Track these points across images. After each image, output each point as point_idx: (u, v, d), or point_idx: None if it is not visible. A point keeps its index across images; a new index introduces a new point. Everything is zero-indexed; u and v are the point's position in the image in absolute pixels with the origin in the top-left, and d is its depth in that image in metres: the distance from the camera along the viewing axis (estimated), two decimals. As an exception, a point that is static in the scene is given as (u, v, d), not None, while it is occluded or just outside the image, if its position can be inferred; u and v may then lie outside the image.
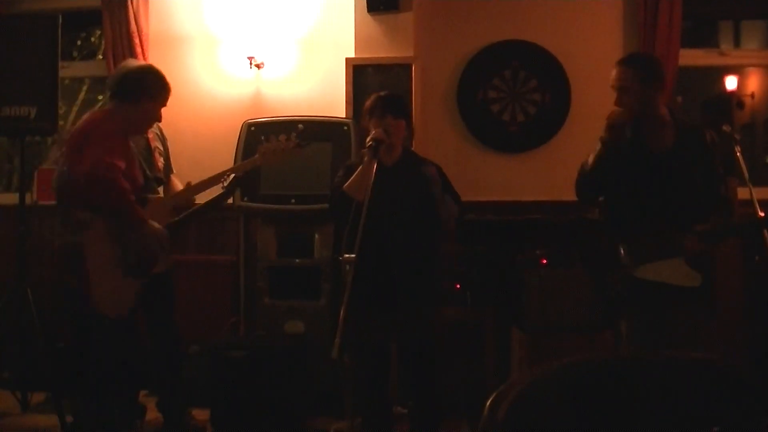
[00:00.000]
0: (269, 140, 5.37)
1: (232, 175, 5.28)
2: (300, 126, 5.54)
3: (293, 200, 6.16)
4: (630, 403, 2.10)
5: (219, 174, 5.44)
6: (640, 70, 4.56)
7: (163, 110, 5.66)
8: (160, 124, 5.78)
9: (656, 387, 2.12)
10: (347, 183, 4.72)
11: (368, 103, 4.85)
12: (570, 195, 4.85)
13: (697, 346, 4.35)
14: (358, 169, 4.67)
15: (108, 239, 4.49)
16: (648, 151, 4.54)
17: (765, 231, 4.35)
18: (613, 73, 4.63)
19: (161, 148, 5.71)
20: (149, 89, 4.75)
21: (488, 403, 2.08)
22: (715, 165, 4.54)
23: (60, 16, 6.23)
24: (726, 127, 4.80)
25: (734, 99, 11.18)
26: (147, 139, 5.57)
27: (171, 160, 5.88)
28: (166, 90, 4.82)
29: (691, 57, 6.90)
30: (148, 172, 5.48)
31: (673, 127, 4.57)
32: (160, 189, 5.61)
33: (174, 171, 5.82)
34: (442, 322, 4.94)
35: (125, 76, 4.91)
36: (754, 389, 2.18)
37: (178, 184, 5.61)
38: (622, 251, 4.50)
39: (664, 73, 4.88)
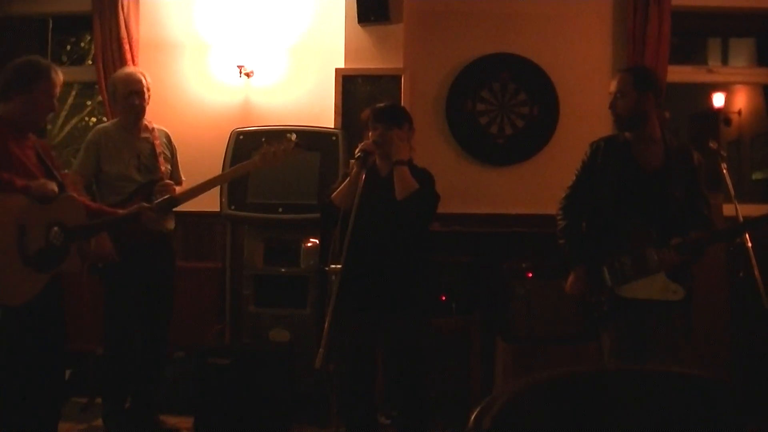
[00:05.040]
0: (269, 143, 5.37)
1: (168, 196, 5.25)
2: (291, 134, 5.53)
3: (280, 209, 6.16)
4: (614, 415, 2.11)
5: (207, 182, 5.44)
6: (639, 78, 4.61)
7: (153, 117, 5.68)
8: (168, 132, 5.79)
9: (640, 400, 2.13)
10: (335, 192, 4.74)
11: (363, 114, 4.89)
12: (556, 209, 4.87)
13: (678, 359, 4.38)
14: (347, 179, 4.69)
15: (2, 222, 4.30)
16: (639, 169, 4.56)
17: (746, 234, 4.40)
18: (614, 79, 4.67)
19: (167, 154, 5.70)
20: (16, 83, 4.60)
21: (474, 415, 2.08)
22: (701, 186, 4.57)
23: (50, 21, 6.22)
24: (713, 144, 4.84)
25: (721, 116, 11.24)
26: (153, 144, 5.58)
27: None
28: (40, 78, 4.53)
29: (679, 73, 6.94)
30: (136, 175, 5.49)
31: (662, 146, 4.59)
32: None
33: (183, 179, 5.82)
34: (430, 331, 4.94)
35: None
36: (737, 402, 2.19)
37: None
38: (605, 272, 4.52)
39: (662, 89, 4.93)
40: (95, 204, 5.00)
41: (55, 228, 4.42)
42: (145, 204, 5.04)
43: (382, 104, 4.96)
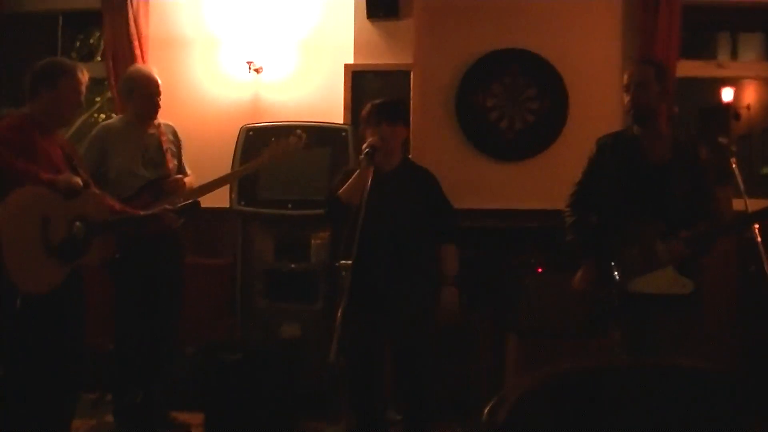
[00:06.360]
0: (278, 141, 5.40)
1: (190, 201, 5.27)
2: (298, 131, 5.57)
3: (290, 205, 6.17)
4: (627, 408, 2.11)
5: (215, 181, 5.49)
6: (658, 71, 4.61)
7: (163, 113, 5.70)
8: (175, 128, 5.81)
9: (653, 393, 2.13)
10: (342, 189, 4.75)
11: (364, 110, 4.90)
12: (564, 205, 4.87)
13: (687, 354, 4.37)
14: (354, 175, 4.70)
15: (26, 213, 4.39)
16: (647, 165, 4.56)
17: (755, 226, 4.38)
18: (632, 71, 4.66)
19: (174, 150, 5.72)
20: (43, 80, 4.69)
21: (487, 409, 2.08)
22: (708, 181, 4.57)
23: (60, 17, 6.24)
24: (722, 139, 4.83)
25: (731, 110, 11.21)
26: (160, 141, 5.60)
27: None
28: (65, 75, 4.66)
29: (689, 68, 6.92)
30: (143, 171, 5.51)
31: (670, 141, 4.59)
32: None
33: (189, 173, 5.84)
34: (437, 325, 4.95)
35: (27, 76, 4.85)
36: (745, 396, 2.19)
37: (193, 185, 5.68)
38: (614, 267, 4.52)
39: (672, 84, 4.92)
40: (119, 205, 5.04)
41: (78, 223, 4.52)
42: (168, 206, 5.11)
43: (383, 100, 4.97)
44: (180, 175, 5.63)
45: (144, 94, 5.54)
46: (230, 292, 6.63)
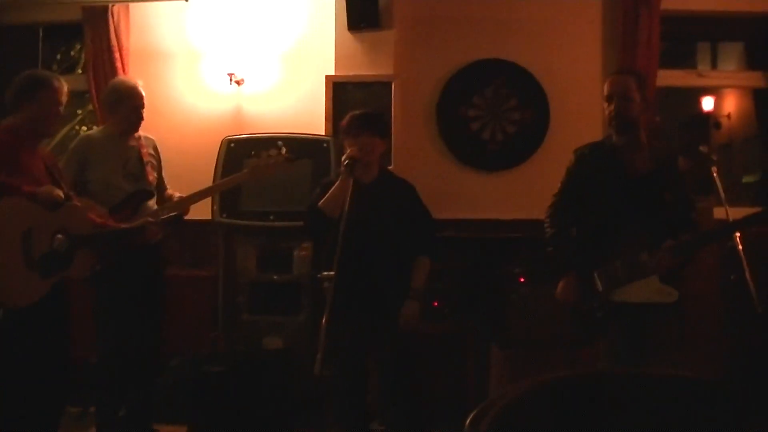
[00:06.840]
0: (259, 156, 5.40)
1: (174, 213, 5.28)
2: (280, 143, 5.57)
3: (272, 217, 6.17)
4: (610, 418, 2.11)
5: (195, 194, 5.48)
6: (640, 83, 4.62)
7: (144, 125, 5.68)
8: (155, 141, 5.79)
9: (636, 403, 2.13)
10: (323, 201, 4.76)
11: (344, 121, 4.91)
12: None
13: (673, 362, 4.38)
14: (334, 186, 4.71)
15: (8, 226, 4.37)
16: (627, 175, 4.56)
17: (736, 235, 4.40)
18: (613, 81, 4.65)
19: (154, 163, 5.71)
20: (22, 94, 4.70)
21: (469, 420, 2.08)
22: (687, 191, 4.58)
23: (41, 30, 6.22)
24: (703, 148, 4.84)
25: (711, 120, 11.25)
26: (140, 153, 5.59)
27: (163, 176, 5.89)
28: (44, 87, 4.68)
29: (669, 77, 6.95)
30: (123, 183, 5.49)
31: (648, 151, 4.60)
32: (151, 202, 5.58)
33: (167, 187, 5.83)
34: (422, 336, 4.95)
35: (7, 90, 4.86)
36: (731, 404, 2.20)
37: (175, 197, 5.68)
38: (597, 278, 4.52)
39: (651, 94, 4.93)
40: (100, 219, 5.02)
41: (59, 235, 4.52)
42: (151, 219, 5.11)
43: (362, 111, 4.98)
44: (176, 193, 5.65)
45: (129, 107, 5.53)
46: (213, 304, 6.62)
